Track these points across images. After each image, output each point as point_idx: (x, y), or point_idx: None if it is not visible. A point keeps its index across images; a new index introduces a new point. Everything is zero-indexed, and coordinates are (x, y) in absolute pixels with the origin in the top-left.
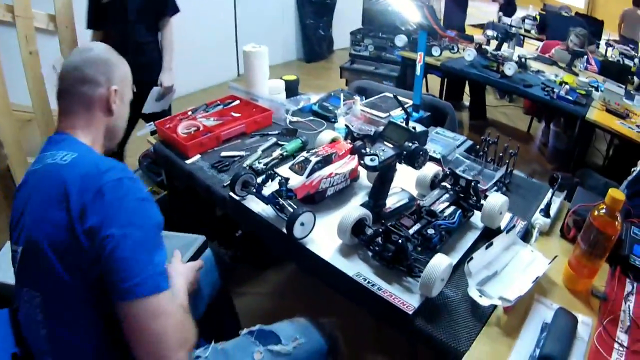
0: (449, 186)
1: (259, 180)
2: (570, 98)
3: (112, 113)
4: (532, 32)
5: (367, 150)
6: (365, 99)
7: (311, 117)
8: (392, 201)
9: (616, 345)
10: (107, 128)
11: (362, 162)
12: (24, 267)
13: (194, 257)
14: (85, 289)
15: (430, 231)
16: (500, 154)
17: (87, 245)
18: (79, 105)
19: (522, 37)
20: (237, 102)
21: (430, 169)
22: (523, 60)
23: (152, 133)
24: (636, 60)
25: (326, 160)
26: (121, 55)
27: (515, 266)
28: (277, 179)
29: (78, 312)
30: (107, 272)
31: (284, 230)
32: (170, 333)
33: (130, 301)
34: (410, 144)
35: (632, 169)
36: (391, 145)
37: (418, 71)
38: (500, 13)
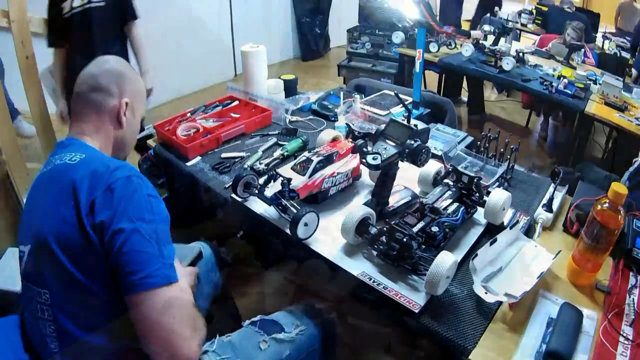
0: (451, 183)
1: (261, 181)
2: (569, 92)
3: (121, 125)
4: (529, 26)
5: (369, 148)
6: (364, 96)
7: (311, 116)
8: (395, 199)
9: (621, 339)
10: (116, 140)
11: (364, 160)
12: (31, 266)
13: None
14: (93, 285)
15: (434, 229)
16: (502, 150)
17: (96, 240)
18: (90, 111)
19: (518, 32)
20: (236, 102)
21: (432, 166)
22: (521, 54)
23: (144, 139)
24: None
25: (328, 160)
26: None
27: (520, 262)
28: (280, 179)
29: (87, 308)
30: (118, 266)
31: (288, 231)
32: (183, 323)
33: (143, 292)
34: (412, 142)
35: (634, 160)
36: (393, 144)
37: (417, 68)
38: (497, 8)
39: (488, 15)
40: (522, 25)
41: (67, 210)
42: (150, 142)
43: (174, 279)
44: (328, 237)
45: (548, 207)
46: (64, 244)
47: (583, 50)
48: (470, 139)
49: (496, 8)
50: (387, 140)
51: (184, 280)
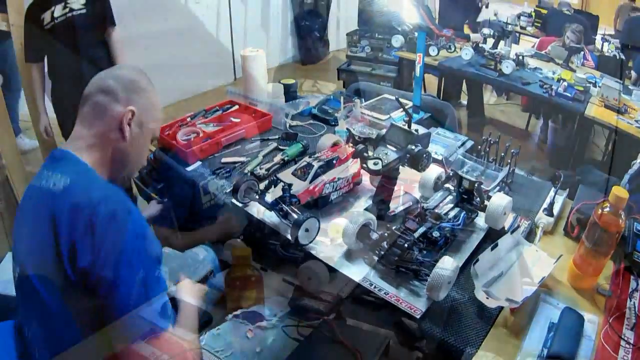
0: (452, 188)
1: (262, 186)
2: (569, 95)
3: (124, 136)
4: (528, 28)
5: (370, 153)
6: (364, 100)
7: (311, 121)
8: (396, 204)
9: (622, 343)
10: (117, 153)
11: (365, 165)
12: (20, 289)
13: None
14: (79, 319)
15: (436, 234)
16: (502, 154)
17: (79, 284)
18: (93, 115)
19: (517, 34)
20: (236, 106)
21: (433, 171)
22: (520, 57)
23: None
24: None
25: (328, 165)
26: (75, 77)
27: (521, 266)
28: (280, 185)
29: (77, 336)
30: (103, 311)
31: (289, 237)
32: None
33: (129, 344)
34: (413, 147)
35: (633, 162)
36: (394, 149)
37: (417, 72)
38: (496, 9)
39: (472, 17)
40: (522, 28)
41: (47, 249)
42: (150, 146)
43: (162, 328)
44: (329, 242)
45: (549, 211)
46: (44, 281)
47: (582, 52)
48: (470, 143)
49: (495, 9)
50: (387, 145)
51: (190, 306)
